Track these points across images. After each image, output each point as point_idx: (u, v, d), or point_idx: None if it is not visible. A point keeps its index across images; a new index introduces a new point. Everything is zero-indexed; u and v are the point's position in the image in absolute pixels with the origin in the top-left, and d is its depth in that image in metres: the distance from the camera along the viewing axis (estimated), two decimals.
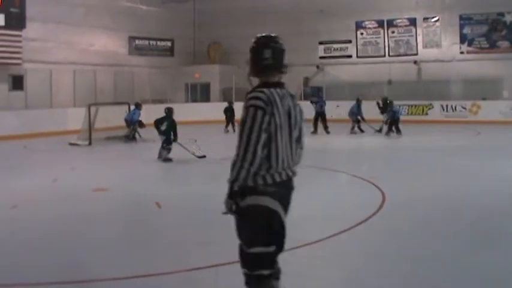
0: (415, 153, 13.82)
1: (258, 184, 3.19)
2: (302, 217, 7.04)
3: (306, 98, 23.94)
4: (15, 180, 9.99)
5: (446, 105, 23.88)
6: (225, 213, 3.26)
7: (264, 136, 3.14)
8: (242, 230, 3.27)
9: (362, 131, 18.75)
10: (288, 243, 5.58)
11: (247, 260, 3.28)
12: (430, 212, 7.28)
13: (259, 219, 3.21)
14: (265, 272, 3.27)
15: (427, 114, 24.16)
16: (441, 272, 4.81)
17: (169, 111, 12.59)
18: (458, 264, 5.11)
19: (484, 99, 23.15)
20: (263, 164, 3.18)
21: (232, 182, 3.15)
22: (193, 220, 6.98)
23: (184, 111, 24.79)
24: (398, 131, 17.74)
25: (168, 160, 12.15)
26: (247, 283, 3.30)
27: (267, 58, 3.27)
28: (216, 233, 6.21)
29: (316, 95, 23.67)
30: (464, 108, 23.46)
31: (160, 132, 12.35)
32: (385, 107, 19.24)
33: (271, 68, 3.29)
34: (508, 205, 7.75)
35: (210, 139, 18.42)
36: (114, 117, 17.14)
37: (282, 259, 5.17)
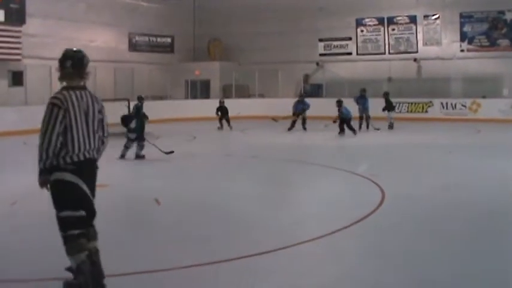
0: (415, 151, 13.82)
1: (60, 163, 4.06)
2: (301, 214, 7.07)
3: (307, 95, 23.70)
4: (15, 176, 9.97)
5: (446, 103, 23.83)
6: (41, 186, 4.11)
7: (58, 127, 3.99)
8: (53, 199, 4.11)
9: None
10: (287, 240, 5.66)
11: (61, 223, 4.07)
12: (429, 210, 7.27)
13: (63, 190, 4.06)
14: (76, 232, 4.02)
15: (426, 112, 24.13)
16: (440, 270, 4.81)
17: (139, 106, 13.10)
18: (457, 262, 5.11)
19: (484, 97, 23.11)
20: (63, 148, 4.04)
21: (38, 162, 4.04)
22: (193, 216, 6.98)
23: (184, 108, 24.85)
24: (351, 129, 17.09)
25: (141, 157, 12.00)
26: (64, 243, 4.06)
27: (68, 67, 4.16)
28: (216, 230, 6.23)
29: (305, 94, 23.38)
30: (464, 106, 23.43)
31: (130, 130, 12.20)
32: (388, 103, 19.15)
33: (72, 75, 4.18)
34: (508, 204, 7.75)
35: (210, 136, 18.45)
36: (113, 113, 17.08)
37: (281, 256, 5.22)
